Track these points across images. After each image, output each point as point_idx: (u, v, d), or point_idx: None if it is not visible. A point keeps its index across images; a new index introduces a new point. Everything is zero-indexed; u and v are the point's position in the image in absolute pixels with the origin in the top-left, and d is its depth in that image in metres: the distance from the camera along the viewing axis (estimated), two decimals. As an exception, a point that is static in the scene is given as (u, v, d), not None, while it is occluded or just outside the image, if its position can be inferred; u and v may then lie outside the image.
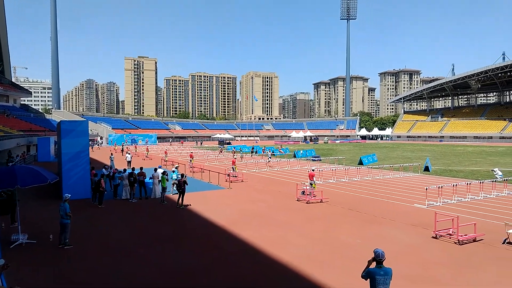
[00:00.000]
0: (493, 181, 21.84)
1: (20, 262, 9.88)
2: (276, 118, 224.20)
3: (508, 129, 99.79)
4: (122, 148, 56.28)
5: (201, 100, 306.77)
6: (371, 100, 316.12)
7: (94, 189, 18.12)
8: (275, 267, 9.69)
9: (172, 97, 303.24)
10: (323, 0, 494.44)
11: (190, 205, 17.61)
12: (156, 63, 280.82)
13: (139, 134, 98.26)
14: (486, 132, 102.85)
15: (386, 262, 9.97)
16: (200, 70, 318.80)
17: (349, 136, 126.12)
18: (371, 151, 56.61)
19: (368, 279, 5.84)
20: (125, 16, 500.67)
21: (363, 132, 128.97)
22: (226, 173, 25.35)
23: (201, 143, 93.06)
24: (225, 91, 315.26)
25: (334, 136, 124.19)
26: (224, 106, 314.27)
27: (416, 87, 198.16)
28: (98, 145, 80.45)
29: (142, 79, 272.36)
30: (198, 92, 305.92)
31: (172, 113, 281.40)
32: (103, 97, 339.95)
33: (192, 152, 42.78)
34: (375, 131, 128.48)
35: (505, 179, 23.39)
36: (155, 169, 20.42)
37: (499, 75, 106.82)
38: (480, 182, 21.05)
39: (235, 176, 26.32)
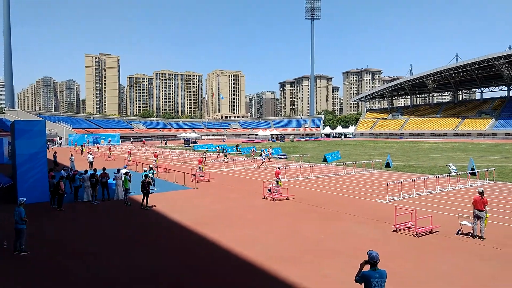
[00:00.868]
0: (448, 176, 23.12)
1: (-30, 272, 9.28)
2: (243, 117, 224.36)
3: (461, 126, 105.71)
4: (82, 149, 53.80)
5: (166, 99, 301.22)
6: (335, 98, 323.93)
7: (52, 191, 17.32)
8: (245, 266, 9.72)
9: (136, 95, 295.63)
10: (288, 0, 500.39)
11: (155, 206, 17.27)
12: (118, 60, 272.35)
13: (102, 133, 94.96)
14: (441, 129, 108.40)
15: (350, 256, 10.32)
16: (164, 68, 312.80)
17: (314, 134, 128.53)
18: (335, 149, 58.04)
19: (363, 283, 5.54)
20: (86, 11, 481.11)
21: (327, 130, 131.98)
22: (192, 173, 25.08)
23: (165, 143, 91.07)
24: (190, 89, 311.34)
25: (299, 134, 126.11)
26: (190, 105, 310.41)
27: (378, 86, 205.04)
28: (56, 145, 76.94)
29: (104, 77, 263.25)
30: (162, 91, 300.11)
31: (136, 112, 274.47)
32: (62, 96, 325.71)
33: (156, 152, 41.93)
34: (339, 129, 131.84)
35: (459, 173, 24.77)
36: (118, 170, 19.85)
37: (453, 75, 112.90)
38: (436, 177, 22.19)
39: (202, 176, 26.09)
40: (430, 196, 19.16)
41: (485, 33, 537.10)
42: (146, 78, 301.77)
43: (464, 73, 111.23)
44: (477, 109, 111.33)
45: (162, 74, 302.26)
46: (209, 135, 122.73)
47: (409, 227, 12.69)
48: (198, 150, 60.53)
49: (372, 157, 41.22)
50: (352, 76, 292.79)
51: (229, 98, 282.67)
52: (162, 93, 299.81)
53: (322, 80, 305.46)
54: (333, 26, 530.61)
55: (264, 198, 18.91)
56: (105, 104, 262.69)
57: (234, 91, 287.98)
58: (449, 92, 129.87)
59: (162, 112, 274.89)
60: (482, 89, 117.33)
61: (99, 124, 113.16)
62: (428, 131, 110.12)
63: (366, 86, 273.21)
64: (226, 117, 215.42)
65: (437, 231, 12.59)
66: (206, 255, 10.56)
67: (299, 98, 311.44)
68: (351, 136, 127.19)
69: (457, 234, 12.24)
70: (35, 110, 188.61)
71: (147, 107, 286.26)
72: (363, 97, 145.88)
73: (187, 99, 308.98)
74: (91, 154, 35.99)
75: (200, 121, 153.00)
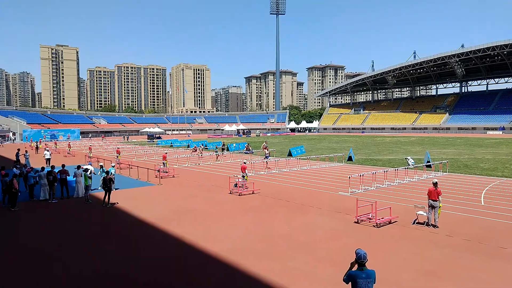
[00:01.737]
0: (406, 168, 24.20)
1: None
2: (208, 111, 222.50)
3: (419, 121, 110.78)
4: (37, 145, 50.82)
5: (129, 93, 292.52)
6: (300, 94, 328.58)
7: (4, 190, 16.35)
8: (211, 261, 9.68)
9: (97, 89, 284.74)
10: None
11: (118, 203, 16.79)
12: (77, 52, 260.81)
13: (60, 129, 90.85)
14: (401, 123, 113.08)
15: (314, 248, 10.57)
16: (127, 61, 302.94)
17: (279, 129, 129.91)
18: (299, 143, 59.00)
19: (350, 283, 5.45)
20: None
21: (292, 125, 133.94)
22: (156, 169, 24.57)
23: (127, 138, 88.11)
24: (154, 83, 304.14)
25: (265, 129, 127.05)
26: (154, 99, 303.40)
27: (341, 82, 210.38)
28: (9, 141, 72.69)
29: (62, 69, 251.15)
30: (125, 84, 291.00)
31: (97, 107, 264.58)
32: (15, 89, 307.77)
33: (118, 148, 40.70)
34: (303, 124, 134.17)
35: (416, 166, 25.98)
36: (78, 167, 19.08)
37: (411, 72, 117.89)
38: (396, 170, 23.17)
39: (166, 172, 25.64)
40: (390, 188, 19.97)
41: (440, 32, 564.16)
42: (108, 72, 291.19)
43: (421, 70, 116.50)
44: (433, 105, 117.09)
45: (124, 67, 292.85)
46: (174, 130, 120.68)
47: (370, 218, 13.17)
48: (162, 146, 59.39)
49: (335, 151, 42.28)
50: (316, 71, 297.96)
51: (194, 92, 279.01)
52: (125, 87, 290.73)
53: (287, 75, 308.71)
54: (298, 21, 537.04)
55: (230, 193, 18.90)
56: (63, 98, 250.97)
57: (199, 85, 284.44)
58: (407, 88, 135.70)
59: (125, 107, 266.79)
60: (437, 85, 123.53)
61: (57, 119, 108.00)
62: (388, 125, 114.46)
63: (330, 82, 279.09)
64: (191, 111, 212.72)
65: (396, 221, 13.16)
66: (170, 252, 10.42)
67: (265, 93, 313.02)
68: (315, 130, 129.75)
69: (414, 223, 12.86)
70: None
71: (108, 101, 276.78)
72: (326, 92, 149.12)
73: (150, 93, 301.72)
74: (48, 151, 34.34)
75: (164, 116, 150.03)
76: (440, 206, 12.49)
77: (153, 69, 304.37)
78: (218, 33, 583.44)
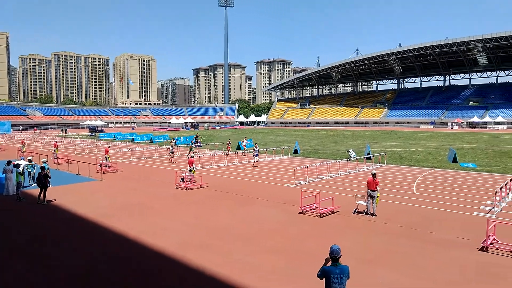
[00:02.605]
0: (347, 161, 25.37)
1: None
2: (154, 104, 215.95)
3: (361, 115, 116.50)
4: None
5: (68, 83, 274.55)
6: (248, 88, 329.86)
7: None
8: (155, 256, 9.44)
9: (31, 78, 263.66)
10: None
11: (55, 200, 15.75)
12: (7, 37, 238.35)
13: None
14: (344, 118, 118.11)
15: (259, 239, 10.74)
16: (65, 50, 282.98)
17: (228, 122, 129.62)
18: (248, 137, 59.34)
19: (324, 279, 5.43)
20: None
21: (241, 118, 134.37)
22: (98, 164, 23.38)
23: (65, 131, 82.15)
24: (96, 73, 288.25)
25: (214, 122, 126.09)
26: (96, 90, 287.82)
27: (288, 77, 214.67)
28: None
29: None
30: (63, 74, 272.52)
31: (31, 97, 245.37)
32: None
33: (56, 142, 38.15)
34: (252, 118, 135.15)
35: (357, 158, 27.34)
36: (8, 162, 17.58)
37: (354, 68, 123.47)
38: (338, 162, 24.19)
39: (108, 167, 24.50)
40: (333, 179, 20.83)
41: (382, 30, 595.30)
42: (43, 60, 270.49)
43: (363, 67, 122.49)
44: (374, 100, 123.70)
45: (62, 55, 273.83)
46: (117, 122, 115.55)
47: (313, 209, 13.64)
48: (104, 139, 56.64)
49: (282, 144, 43.16)
50: (264, 66, 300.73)
51: (139, 83, 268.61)
52: (63, 77, 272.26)
53: (236, 68, 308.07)
54: (247, 15, 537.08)
55: (176, 188, 18.55)
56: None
57: (145, 76, 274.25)
58: (351, 84, 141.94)
59: (63, 98, 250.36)
60: (377, 81, 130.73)
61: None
62: (332, 119, 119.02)
63: (277, 76, 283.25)
64: (136, 103, 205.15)
65: (338, 211, 13.77)
66: (113, 247, 10.01)
67: (214, 86, 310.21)
68: (263, 124, 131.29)
69: (354, 212, 13.55)
70: None
71: (44, 92, 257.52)
72: (274, 87, 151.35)
73: (92, 84, 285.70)
74: (-27, 145, 31.25)
75: (107, 108, 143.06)
76: (378, 196, 13.28)
77: (95, 58, 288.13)
78: (165, 24, 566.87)
